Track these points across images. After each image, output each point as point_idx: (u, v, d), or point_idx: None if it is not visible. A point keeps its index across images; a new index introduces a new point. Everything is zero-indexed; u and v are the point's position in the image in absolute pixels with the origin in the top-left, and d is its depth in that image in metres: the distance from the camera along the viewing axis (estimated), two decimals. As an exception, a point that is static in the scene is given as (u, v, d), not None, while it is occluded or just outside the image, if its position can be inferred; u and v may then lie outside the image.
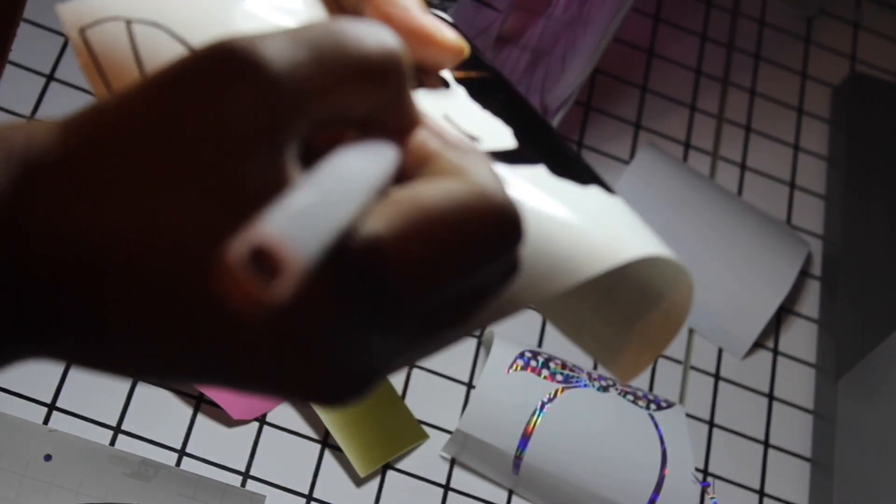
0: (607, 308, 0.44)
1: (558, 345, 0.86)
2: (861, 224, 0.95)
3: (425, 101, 0.38)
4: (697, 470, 0.84)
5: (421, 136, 0.34)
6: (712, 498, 0.83)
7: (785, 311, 0.93)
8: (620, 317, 0.43)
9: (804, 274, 0.95)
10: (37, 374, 0.75)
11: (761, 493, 0.85)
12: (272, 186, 0.30)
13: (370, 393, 0.33)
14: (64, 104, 0.85)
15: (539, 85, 0.82)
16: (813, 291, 0.95)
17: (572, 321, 0.44)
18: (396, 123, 0.34)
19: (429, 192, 0.32)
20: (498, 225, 0.32)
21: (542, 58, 0.80)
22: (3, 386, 0.74)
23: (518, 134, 0.40)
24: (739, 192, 0.97)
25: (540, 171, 0.38)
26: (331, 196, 0.29)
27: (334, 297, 0.31)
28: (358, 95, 0.32)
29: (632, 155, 0.96)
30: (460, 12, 0.80)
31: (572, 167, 0.40)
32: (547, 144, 0.41)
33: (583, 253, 0.36)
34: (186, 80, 0.30)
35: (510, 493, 0.80)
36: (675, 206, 0.90)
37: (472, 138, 0.38)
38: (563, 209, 0.37)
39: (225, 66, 0.30)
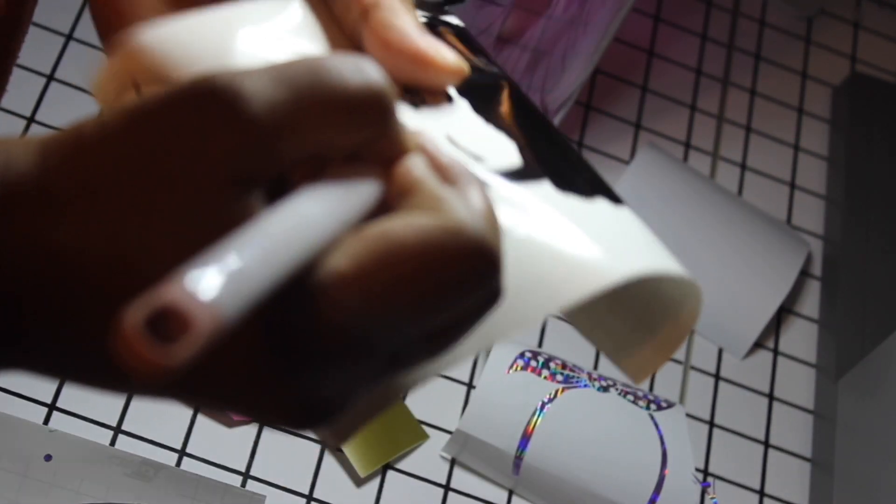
0: (622, 308, 0.44)
1: (558, 345, 0.86)
2: (861, 224, 0.95)
3: (427, 121, 0.38)
4: (697, 470, 0.84)
5: (406, 165, 0.34)
6: (712, 498, 0.83)
7: (785, 311, 0.93)
8: (634, 317, 0.43)
9: (804, 274, 0.95)
10: (37, 375, 0.75)
11: (761, 493, 0.85)
12: (238, 224, 0.30)
13: (336, 420, 0.33)
14: (64, 104, 0.85)
15: (539, 85, 0.82)
16: (813, 291, 0.95)
17: (587, 319, 0.44)
18: (382, 154, 0.34)
19: (397, 227, 0.31)
20: (466, 261, 0.32)
21: (542, 58, 0.80)
22: (3, 386, 0.74)
23: (522, 147, 0.40)
24: (739, 192, 0.98)
25: (545, 188, 0.38)
26: (268, 245, 0.28)
27: (271, 342, 0.31)
28: (340, 132, 0.32)
29: (632, 155, 0.96)
30: (460, 12, 0.80)
31: (577, 178, 0.40)
32: (551, 155, 0.41)
33: (587, 270, 0.36)
34: (167, 113, 0.31)
35: (510, 493, 0.80)
36: (675, 206, 0.90)
37: (476, 158, 0.38)
38: (569, 226, 0.37)
39: (204, 102, 0.30)
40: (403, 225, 0.31)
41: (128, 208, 0.30)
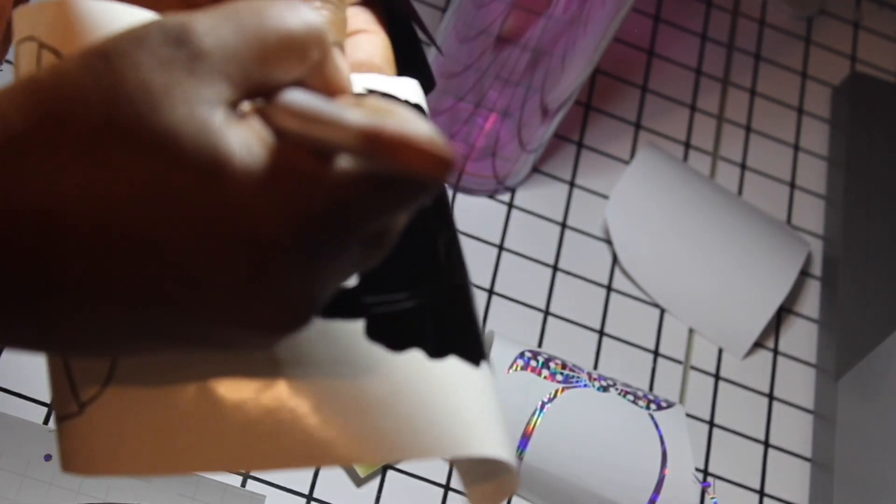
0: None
1: (558, 345, 0.86)
2: (861, 224, 0.95)
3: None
4: (697, 470, 0.84)
5: (348, 92, 0.37)
6: (712, 498, 0.83)
7: (785, 311, 0.93)
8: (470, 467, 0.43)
9: (804, 274, 0.95)
10: (37, 374, 0.75)
11: (761, 493, 0.85)
12: (204, 140, 0.32)
13: (306, 324, 0.35)
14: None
15: (539, 85, 0.82)
16: (813, 291, 0.95)
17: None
18: (323, 88, 0.36)
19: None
20: (436, 154, 0.33)
21: (543, 58, 0.80)
22: (3, 386, 0.74)
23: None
24: (739, 192, 0.98)
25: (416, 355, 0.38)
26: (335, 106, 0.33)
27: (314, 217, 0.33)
28: (282, 67, 0.34)
29: (632, 155, 0.96)
30: (460, 12, 0.80)
31: (459, 341, 0.40)
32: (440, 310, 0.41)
33: (440, 435, 0.37)
34: (125, 51, 0.32)
35: (510, 493, 0.80)
36: (675, 206, 0.90)
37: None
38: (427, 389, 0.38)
39: (159, 40, 0.32)
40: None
41: (98, 145, 0.32)
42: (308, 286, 0.34)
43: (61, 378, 0.39)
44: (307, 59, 0.35)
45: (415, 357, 0.38)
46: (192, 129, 0.32)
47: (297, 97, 0.34)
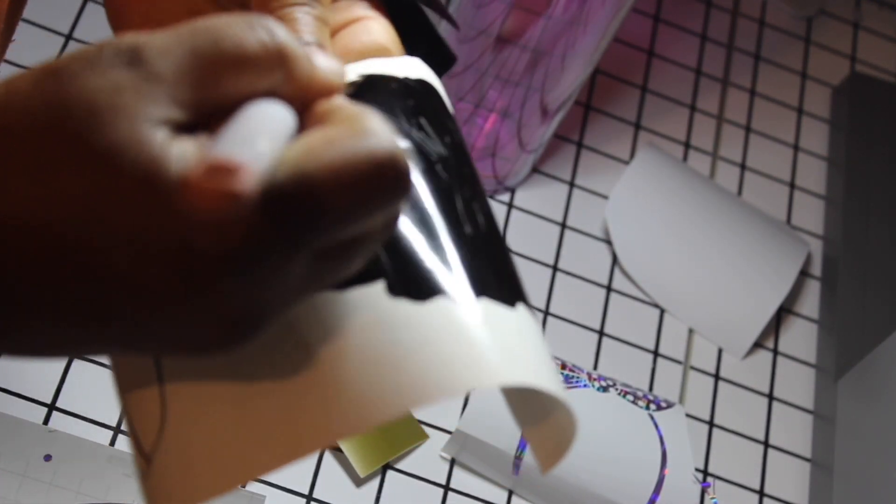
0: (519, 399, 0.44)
1: (558, 345, 0.86)
2: (861, 224, 0.95)
3: None
4: (697, 470, 0.84)
5: (324, 101, 0.37)
6: (712, 498, 0.83)
7: (785, 311, 0.93)
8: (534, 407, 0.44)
9: (804, 274, 0.95)
10: (37, 374, 0.75)
11: (761, 493, 0.85)
12: (143, 155, 0.33)
13: (250, 340, 0.35)
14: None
15: (539, 85, 0.82)
16: (813, 291, 0.95)
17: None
18: (295, 97, 0.36)
19: (332, 134, 0.34)
20: (392, 170, 0.34)
21: (542, 58, 0.80)
22: (3, 386, 0.74)
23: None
24: (739, 192, 0.98)
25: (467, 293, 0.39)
26: (258, 126, 0.33)
27: (266, 233, 0.33)
28: (239, 86, 0.34)
29: (632, 155, 0.96)
30: (460, 12, 0.80)
31: (502, 284, 0.40)
32: (482, 257, 0.41)
33: (484, 365, 0.37)
34: (75, 71, 0.33)
35: (510, 493, 0.80)
36: (675, 206, 0.90)
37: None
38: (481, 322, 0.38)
39: (111, 59, 0.33)
40: (336, 133, 0.34)
41: (44, 158, 0.33)
42: (249, 301, 0.34)
43: (130, 432, 0.41)
44: (267, 77, 0.35)
45: (442, 304, 0.38)
46: (132, 143, 0.32)
47: (228, 140, 0.34)
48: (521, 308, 0.40)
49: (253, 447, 0.36)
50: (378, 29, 0.43)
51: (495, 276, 0.40)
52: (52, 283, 0.33)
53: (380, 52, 0.43)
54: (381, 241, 0.36)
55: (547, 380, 0.39)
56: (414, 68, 0.43)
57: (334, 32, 0.43)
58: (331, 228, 0.33)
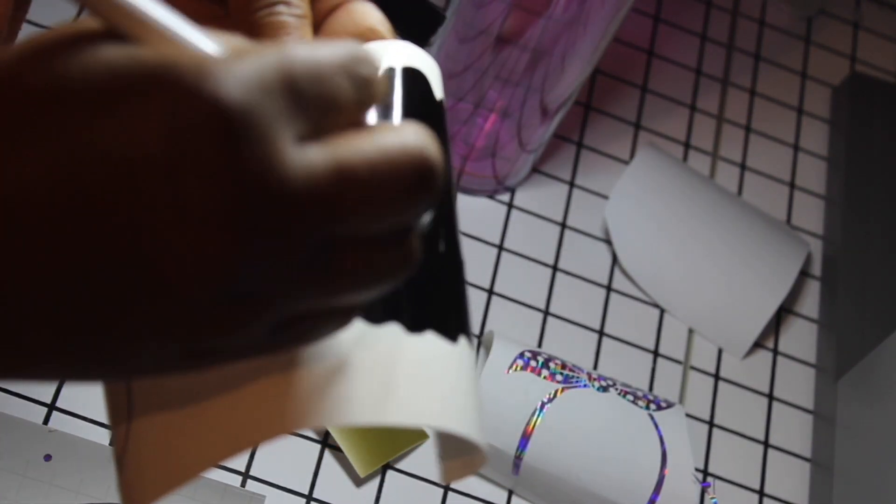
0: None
1: (558, 345, 0.86)
2: (861, 224, 0.95)
3: None
4: (697, 470, 0.84)
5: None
6: (712, 498, 0.83)
7: (785, 311, 0.93)
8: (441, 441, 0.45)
9: (804, 274, 0.95)
10: (37, 375, 0.75)
11: (761, 493, 0.85)
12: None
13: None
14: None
15: (539, 85, 0.82)
16: (813, 291, 0.95)
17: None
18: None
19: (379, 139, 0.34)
20: (427, 172, 0.33)
21: (542, 58, 0.80)
22: (3, 386, 0.74)
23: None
24: (739, 192, 0.98)
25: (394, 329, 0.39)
26: None
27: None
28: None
29: (632, 155, 0.96)
30: (460, 12, 0.80)
31: (449, 316, 0.40)
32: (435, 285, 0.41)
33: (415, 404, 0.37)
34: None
35: (510, 493, 0.80)
36: (675, 206, 0.90)
37: None
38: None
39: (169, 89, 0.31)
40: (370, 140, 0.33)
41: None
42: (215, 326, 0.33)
43: (111, 427, 0.41)
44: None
45: (393, 330, 0.38)
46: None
47: None
48: (461, 342, 0.40)
49: (200, 440, 0.36)
50: (364, 10, 0.43)
51: (448, 307, 0.40)
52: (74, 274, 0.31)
53: (368, 34, 0.42)
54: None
55: (456, 420, 0.39)
56: (403, 54, 0.42)
57: (322, 18, 0.43)
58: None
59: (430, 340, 0.39)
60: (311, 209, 0.32)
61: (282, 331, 0.34)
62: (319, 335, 0.35)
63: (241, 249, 0.31)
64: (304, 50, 0.33)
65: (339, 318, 0.35)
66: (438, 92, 0.43)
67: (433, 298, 0.40)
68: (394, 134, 0.34)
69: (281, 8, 0.40)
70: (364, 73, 0.34)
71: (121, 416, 0.39)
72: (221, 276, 0.31)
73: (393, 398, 0.37)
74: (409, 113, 0.41)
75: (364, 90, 0.34)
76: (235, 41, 0.34)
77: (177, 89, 0.31)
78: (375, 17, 0.43)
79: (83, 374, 0.33)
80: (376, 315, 0.38)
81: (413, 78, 0.42)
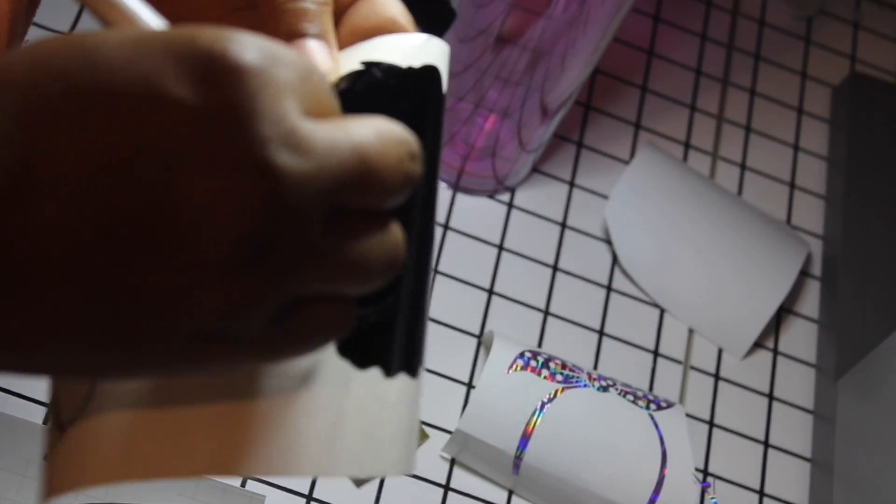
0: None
1: (558, 345, 0.86)
2: (861, 224, 0.95)
3: None
4: (697, 470, 0.84)
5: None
6: (712, 498, 0.83)
7: (785, 311, 0.93)
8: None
9: (804, 274, 0.95)
10: (37, 374, 0.75)
11: (761, 493, 0.85)
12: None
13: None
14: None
15: (539, 85, 0.82)
16: (813, 291, 0.95)
17: None
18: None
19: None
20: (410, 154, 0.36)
21: (542, 58, 0.80)
22: (3, 386, 0.74)
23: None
24: (739, 192, 0.98)
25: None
26: None
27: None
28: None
29: (632, 155, 0.96)
30: (460, 12, 0.80)
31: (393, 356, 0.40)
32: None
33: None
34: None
35: (510, 493, 0.80)
36: (675, 206, 0.90)
37: None
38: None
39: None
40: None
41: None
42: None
43: (51, 401, 0.40)
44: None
45: (373, 374, 0.39)
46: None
47: None
48: (399, 378, 0.40)
49: (155, 450, 0.36)
50: (386, 1, 0.43)
51: (412, 346, 0.40)
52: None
53: (389, 26, 0.43)
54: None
55: (370, 466, 0.40)
56: (421, 49, 0.43)
57: (343, 9, 0.43)
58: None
59: (403, 382, 0.39)
60: (332, 166, 0.33)
61: (283, 318, 0.34)
62: (316, 334, 0.35)
63: (270, 193, 0.32)
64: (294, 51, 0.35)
65: (338, 316, 0.36)
66: (445, 84, 0.43)
67: (404, 340, 0.40)
68: (381, 122, 0.36)
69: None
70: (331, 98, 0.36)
71: (77, 392, 0.39)
72: (246, 224, 0.32)
73: (334, 452, 0.37)
74: (418, 112, 0.41)
75: (335, 108, 0.36)
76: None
77: (196, 51, 0.33)
78: (397, 9, 0.43)
79: (95, 357, 0.33)
80: (364, 360, 0.39)
81: (429, 81, 0.42)
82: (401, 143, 0.35)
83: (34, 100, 0.32)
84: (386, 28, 0.43)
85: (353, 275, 0.35)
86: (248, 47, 0.33)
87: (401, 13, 0.43)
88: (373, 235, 0.35)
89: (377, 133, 0.35)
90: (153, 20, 0.36)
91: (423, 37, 0.43)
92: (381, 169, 0.35)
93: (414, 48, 0.42)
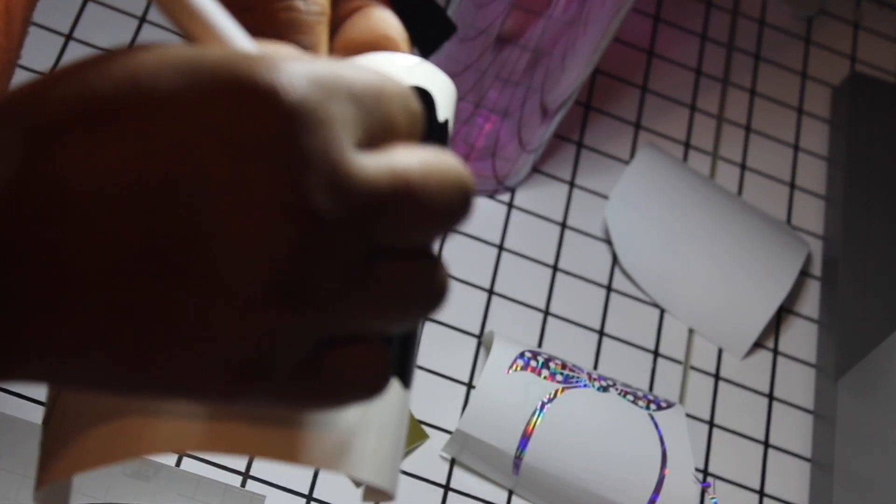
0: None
1: (558, 345, 0.86)
2: (861, 224, 0.95)
3: None
4: (697, 470, 0.84)
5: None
6: (712, 498, 0.83)
7: (785, 311, 0.93)
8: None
9: (804, 274, 0.95)
10: (37, 375, 0.75)
11: (761, 493, 0.85)
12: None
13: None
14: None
15: (539, 85, 0.82)
16: (813, 291, 0.95)
17: None
18: None
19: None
20: (466, 187, 0.35)
21: (542, 58, 0.80)
22: (3, 386, 0.74)
23: None
24: (739, 192, 0.98)
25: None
26: None
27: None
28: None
29: (632, 155, 0.96)
30: (460, 12, 0.80)
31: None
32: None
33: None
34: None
35: (510, 493, 0.80)
36: (675, 206, 0.90)
37: None
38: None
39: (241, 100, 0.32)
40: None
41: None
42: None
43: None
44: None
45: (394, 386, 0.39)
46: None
47: None
48: (396, 387, 0.40)
49: (108, 437, 0.36)
50: (382, 17, 0.43)
51: (411, 357, 0.40)
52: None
53: (383, 42, 0.42)
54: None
55: (368, 470, 0.41)
56: (413, 71, 0.42)
57: (340, 21, 0.43)
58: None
59: (402, 393, 0.40)
60: (370, 207, 0.32)
61: (316, 363, 0.34)
62: (347, 385, 0.35)
63: (302, 237, 0.31)
64: (366, 70, 0.34)
65: (375, 359, 0.35)
66: (444, 112, 0.43)
67: (412, 351, 0.40)
68: (435, 154, 0.35)
69: (299, 4, 0.40)
70: (415, 108, 0.35)
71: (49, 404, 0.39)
72: (276, 266, 0.32)
73: (350, 450, 0.38)
74: None
75: (415, 122, 0.35)
76: (280, 48, 0.35)
77: (243, 82, 0.32)
78: (392, 26, 0.43)
79: (123, 377, 0.33)
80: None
81: (420, 99, 0.42)
82: (453, 183, 0.34)
83: (68, 119, 0.32)
84: (379, 44, 0.42)
85: (392, 314, 0.34)
86: (299, 80, 0.32)
87: (397, 31, 0.43)
88: (415, 273, 0.34)
89: (426, 168, 0.34)
90: (240, 38, 0.34)
91: (417, 60, 0.42)
92: (428, 209, 0.34)
93: (405, 69, 0.42)
